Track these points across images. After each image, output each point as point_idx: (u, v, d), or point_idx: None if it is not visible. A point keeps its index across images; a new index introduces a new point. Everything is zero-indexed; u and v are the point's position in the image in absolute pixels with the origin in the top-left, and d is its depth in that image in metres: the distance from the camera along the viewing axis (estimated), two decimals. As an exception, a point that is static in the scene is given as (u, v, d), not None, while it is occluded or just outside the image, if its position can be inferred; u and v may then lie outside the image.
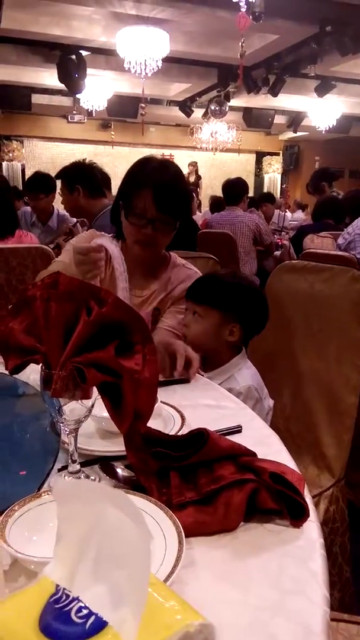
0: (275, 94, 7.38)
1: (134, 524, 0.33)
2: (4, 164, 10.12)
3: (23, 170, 10.23)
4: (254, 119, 9.70)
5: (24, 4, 5.31)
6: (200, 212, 8.77)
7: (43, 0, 5.20)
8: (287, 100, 8.62)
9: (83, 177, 2.63)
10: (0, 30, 5.34)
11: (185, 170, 10.99)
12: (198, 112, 9.07)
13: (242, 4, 4.07)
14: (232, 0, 4.09)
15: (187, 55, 6.89)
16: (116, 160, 10.73)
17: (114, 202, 1.48)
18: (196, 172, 10.73)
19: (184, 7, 5.21)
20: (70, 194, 2.68)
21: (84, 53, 6.49)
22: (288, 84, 7.31)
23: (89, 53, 6.60)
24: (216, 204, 7.21)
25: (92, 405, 0.69)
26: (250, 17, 4.55)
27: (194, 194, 5.59)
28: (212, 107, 8.31)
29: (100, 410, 0.71)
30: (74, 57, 6.40)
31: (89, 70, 6.61)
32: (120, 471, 0.70)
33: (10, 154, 10.13)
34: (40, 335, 0.68)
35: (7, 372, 0.74)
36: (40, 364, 0.70)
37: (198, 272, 1.53)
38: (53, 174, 3.64)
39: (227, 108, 8.41)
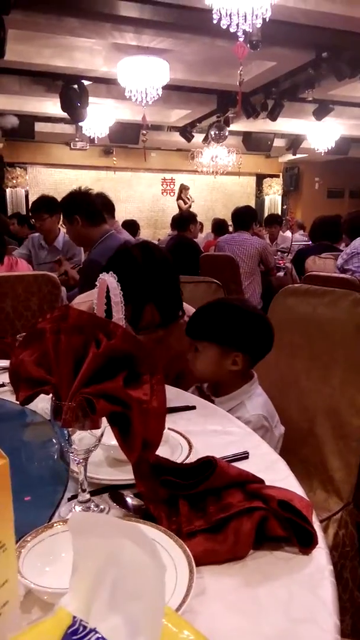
0: (274, 119, 7.52)
1: (149, 556, 0.34)
2: (8, 190, 10.29)
3: (27, 196, 10.39)
4: (253, 143, 9.87)
5: (27, 37, 5.48)
6: (202, 233, 8.87)
7: (46, 33, 5.36)
8: (286, 124, 8.78)
9: (80, 206, 2.66)
10: (4, 62, 5.50)
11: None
12: (198, 137, 9.25)
13: (240, 33, 4.18)
14: (230, 30, 4.20)
15: (186, 83, 7.06)
16: (118, 185, 10.92)
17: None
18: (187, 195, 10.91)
19: (183, 37, 5.36)
20: (70, 225, 2.72)
21: (85, 82, 6.67)
22: (286, 108, 7.46)
23: (91, 82, 6.77)
24: (219, 227, 7.30)
25: (102, 435, 0.70)
26: (248, 45, 4.68)
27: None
28: (212, 132, 8.47)
29: (109, 438, 0.72)
30: (76, 86, 6.57)
31: (90, 99, 6.78)
32: (130, 500, 0.70)
33: (14, 181, 10.31)
34: (50, 366, 0.70)
35: (16, 402, 0.76)
36: (50, 395, 0.72)
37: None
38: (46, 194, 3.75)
39: (227, 132, 8.57)
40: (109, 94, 7.16)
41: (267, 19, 4.15)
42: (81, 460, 0.70)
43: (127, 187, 11.41)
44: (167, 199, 11.85)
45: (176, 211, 9.58)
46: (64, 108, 6.66)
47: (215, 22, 4.15)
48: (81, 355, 0.68)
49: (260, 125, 8.75)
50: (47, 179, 10.87)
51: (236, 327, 1.34)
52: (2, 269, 2.48)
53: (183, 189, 11.04)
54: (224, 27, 4.16)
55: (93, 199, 2.79)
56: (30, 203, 10.07)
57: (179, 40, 5.48)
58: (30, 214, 5.04)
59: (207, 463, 0.70)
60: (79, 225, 2.68)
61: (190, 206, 10.43)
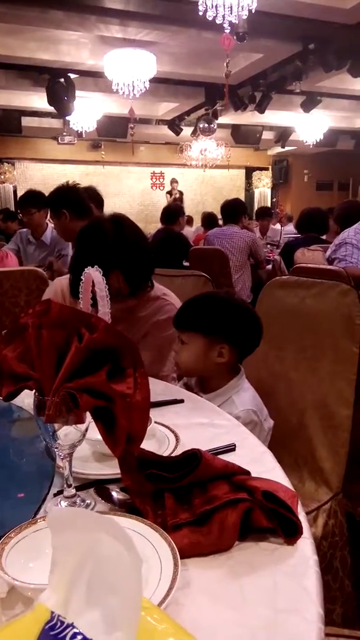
0: (262, 111, 7.51)
1: (126, 550, 0.34)
2: (-4, 186, 10.21)
3: (15, 192, 10.30)
4: (242, 136, 9.85)
5: (12, 30, 5.41)
6: (192, 227, 8.85)
7: (31, 26, 5.30)
8: (274, 117, 8.78)
9: (67, 201, 2.65)
10: (-11, 56, 5.45)
11: (168, 187, 11.14)
12: (187, 130, 9.21)
13: (226, 25, 4.16)
14: (216, 22, 4.18)
15: (174, 76, 7.02)
16: (107, 180, 10.86)
17: (72, 268, 1.45)
18: (176, 188, 10.90)
19: (170, 30, 5.32)
20: (58, 219, 2.71)
21: (72, 76, 6.61)
22: (274, 100, 7.45)
23: (78, 76, 6.71)
24: (208, 220, 7.28)
25: (86, 430, 0.70)
26: (235, 37, 4.66)
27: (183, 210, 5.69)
28: (201, 125, 8.45)
29: (94, 433, 0.72)
30: (62, 80, 6.51)
31: (77, 93, 6.72)
32: (116, 494, 0.70)
33: (2, 176, 10.22)
34: (32, 362, 0.69)
35: (0, 398, 0.75)
36: (34, 390, 0.71)
37: (173, 304, 1.54)
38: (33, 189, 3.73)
39: (216, 125, 8.54)
40: (96, 88, 7.11)
41: (253, 11, 4.13)
42: (66, 455, 0.70)
43: (116, 181, 11.36)
44: (157, 193, 11.82)
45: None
46: (50, 102, 6.60)
47: (201, 14, 4.13)
48: (64, 349, 0.67)
49: (249, 117, 8.74)
50: (36, 174, 10.79)
51: (222, 317, 1.34)
52: None
53: (173, 182, 11.04)
54: (210, 18, 4.13)
55: (80, 192, 2.78)
56: (17, 198, 10.00)
57: (166, 32, 5.44)
58: (18, 209, 5.00)
59: (192, 456, 0.70)
60: (66, 219, 2.67)
61: (175, 199, 10.38)
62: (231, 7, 4.12)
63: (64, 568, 0.38)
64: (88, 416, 0.69)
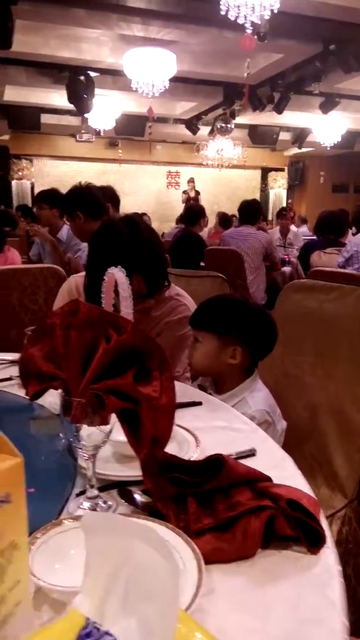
0: (280, 112, 7.47)
1: (162, 557, 0.34)
2: (14, 182, 10.27)
3: (32, 189, 10.37)
4: (259, 136, 9.81)
5: (34, 28, 5.44)
6: (206, 227, 8.83)
7: (53, 24, 5.33)
8: (291, 117, 8.72)
9: (81, 202, 2.65)
10: (11, 53, 5.47)
11: (184, 187, 11.15)
12: (204, 130, 9.20)
13: (248, 25, 4.14)
14: (238, 21, 4.16)
15: (193, 75, 7.00)
16: (123, 178, 10.87)
17: (87, 275, 1.45)
18: (194, 188, 10.90)
19: (191, 29, 5.31)
20: (72, 220, 2.72)
21: (92, 74, 6.63)
22: (293, 101, 7.41)
23: (98, 74, 6.73)
24: (224, 220, 7.26)
25: (110, 431, 0.70)
26: (255, 37, 4.64)
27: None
28: (218, 125, 8.43)
29: (116, 434, 0.72)
30: (82, 78, 6.53)
31: (97, 91, 6.74)
32: (138, 497, 0.70)
33: (20, 173, 10.29)
34: (59, 362, 0.70)
35: (23, 396, 0.76)
36: (59, 390, 0.71)
37: (186, 305, 1.53)
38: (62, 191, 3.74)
39: (233, 125, 8.52)
40: (115, 86, 7.12)
41: (276, 11, 4.11)
42: (90, 457, 0.70)
43: (133, 179, 11.37)
44: (172, 192, 11.81)
45: (182, 204, 9.55)
46: (70, 99, 6.63)
47: (223, 13, 4.11)
48: (91, 350, 0.67)
49: (266, 118, 8.69)
50: (53, 171, 10.84)
51: (236, 318, 1.34)
52: (1, 258, 2.48)
53: (189, 181, 11.03)
54: (232, 18, 4.12)
55: (94, 193, 2.78)
56: (35, 195, 10.05)
57: (186, 31, 5.44)
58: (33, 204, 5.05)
59: (216, 461, 0.70)
60: (80, 220, 2.67)
61: (191, 198, 10.36)
62: (253, 7, 4.10)
63: (98, 574, 0.38)
64: (112, 418, 0.69)
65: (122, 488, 0.72)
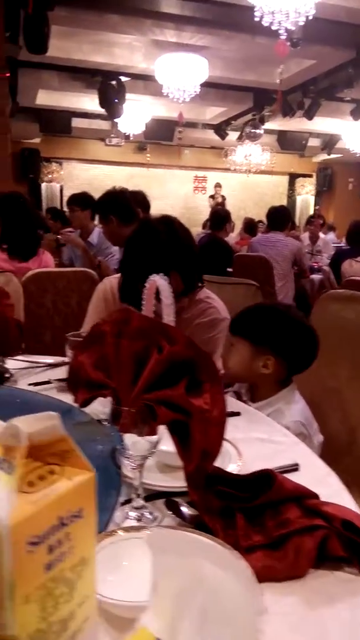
0: (310, 117, 7.42)
1: (240, 582, 0.33)
2: (43, 184, 10.42)
3: (61, 191, 10.50)
4: (288, 142, 9.76)
5: (69, 33, 5.53)
6: (233, 232, 8.81)
7: (87, 30, 5.40)
8: (321, 123, 8.65)
9: (115, 206, 2.68)
10: (45, 58, 5.56)
11: (211, 192, 11.14)
12: (232, 135, 9.19)
13: (282, 31, 4.12)
14: (272, 27, 4.15)
15: (223, 80, 7.01)
16: (151, 182, 10.92)
17: (122, 271, 1.47)
18: (220, 193, 10.90)
19: (223, 34, 5.33)
20: (106, 224, 2.75)
21: (123, 79, 6.69)
22: (323, 107, 7.36)
23: (129, 79, 6.79)
24: (249, 227, 7.20)
25: (158, 441, 0.69)
26: (289, 43, 4.62)
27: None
28: (247, 130, 8.42)
29: (159, 443, 0.72)
30: (114, 82, 6.60)
31: (127, 95, 6.81)
32: (186, 509, 0.69)
33: (50, 176, 10.44)
34: (109, 370, 0.70)
35: (62, 400, 0.75)
36: (108, 398, 0.71)
37: (216, 308, 1.52)
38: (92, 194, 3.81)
39: (262, 131, 8.49)
40: (146, 91, 7.18)
41: (310, 17, 4.08)
42: (137, 466, 0.70)
43: (160, 184, 11.41)
44: (199, 197, 11.82)
45: (208, 209, 9.55)
46: (101, 104, 6.71)
47: (257, 19, 4.11)
48: (142, 360, 0.67)
49: (296, 124, 8.64)
50: (82, 174, 10.96)
51: (271, 329, 1.32)
52: (35, 260, 2.51)
53: (216, 186, 11.03)
54: (266, 24, 4.11)
55: (128, 198, 2.80)
56: (64, 198, 10.19)
57: (219, 37, 5.45)
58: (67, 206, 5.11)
59: (266, 477, 0.69)
60: (114, 224, 2.69)
61: (218, 203, 10.36)
62: (288, 14, 4.08)
63: (167, 593, 0.37)
64: (159, 428, 0.69)
65: (169, 499, 0.72)
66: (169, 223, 1.43)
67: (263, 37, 4.96)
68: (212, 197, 11.01)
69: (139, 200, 3.30)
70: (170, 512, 0.70)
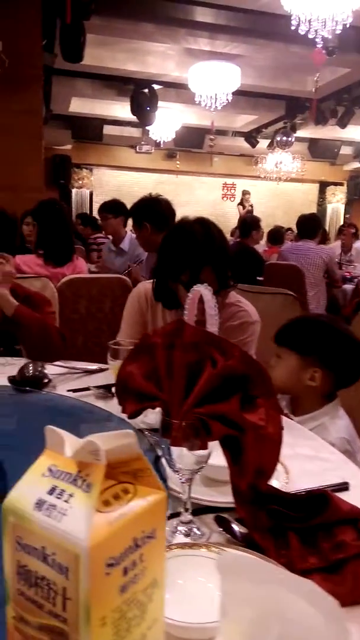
0: (343, 126, 7.35)
1: (323, 615, 0.32)
2: (74, 190, 10.57)
3: (91, 197, 10.63)
4: (319, 150, 9.68)
5: (104, 42, 5.60)
6: (263, 241, 8.74)
7: (121, 38, 5.47)
8: (354, 132, 8.56)
9: (149, 213, 2.69)
10: (79, 66, 5.65)
11: (239, 199, 11.09)
12: (263, 143, 9.16)
13: (319, 40, 4.09)
14: (308, 36, 4.12)
15: (256, 89, 7.00)
16: (179, 189, 10.98)
17: (157, 270, 1.51)
18: (249, 200, 10.85)
19: (258, 43, 5.32)
20: (139, 231, 2.76)
21: (156, 87, 6.74)
22: (357, 115, 7.27)
23: (161, 87, 6.85)
24: (274, 236, 7.03)
25: (209, 456, 0.68)
26: (324, 51, 4.58)
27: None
28: (278, 138, 8.37)
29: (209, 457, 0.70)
30: (146, 90, 6.66)
31: (159, 103, 6.85)
32: (236, 527, 0.68)
33: (80, 182, 10.58)
34: (160, 382, 0.69)
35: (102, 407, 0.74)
36: (158, 409, 0.71)
37: (247, 311, 1.52)
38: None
39: (293, 139, 8.44)
40: (178, 99, 7.22)
41: (348, 25, 4.04)
42: (186, 480, 0.68)
43: (188, 191, 11.45)
44: (227, 204, 11.81)
45: (236, 217, 9.53)
46: (133, 111, 6.77)
47: (293, 28, 4.09)
48: (194, 373, 0.66)
49: (328, 132, 8.56)
50: (111, 180, 11.08)
51: (320, 341, 1.30)
52: (69, 266, 2.54)
53: (244, 194, 11.00)
54: (302, 33, 4.09)
55: (162, 205, 2.80)
56: (93, 204, 10.31)
57: (253, 45, 5.45)
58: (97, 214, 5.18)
59: (320, 497, 0.67)
60: (147, 231, 2.70)
61: (249, 211, 10.34)
62: (325, 22, 4.05)
63: (238, 620, 0.36)
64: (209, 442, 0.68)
65: (220, 515, 0.70)
66: (204, 223, 1.47)
67: (297, 45, 4.94)
68: (240, 204, 10.99)
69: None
70: (221, 529, 0.68)
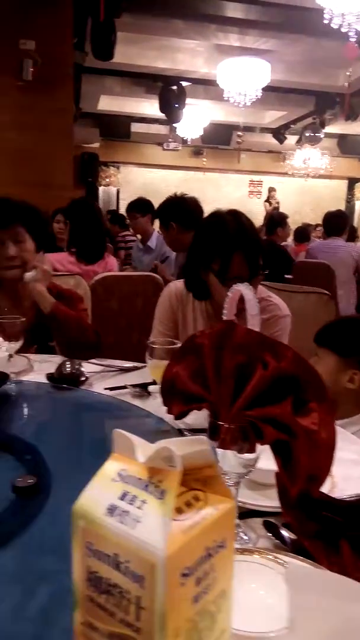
0: (374, 121, 7.20)
1: None
2: (101, 188, 10.63)
3: (117, 194, 10.68)
4: (348, 146, 9.51)
5: (133, 39, 5.61)
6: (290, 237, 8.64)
7: (151, 35, 5.47)
8: (386, 127, 8.38)
9: (176, 213, 2.69)
10: (108, 64, 5.67)
11: (265, 195, 11.00)
12: (291, 139, 9.05)
13: (352, 33, 4.01)
14: (341, 30, 4.05)
15: (285, 84, 6.92)
16: (205, 186, 10.93)
17: (188, 260, 1.53)
18: (275, 197, 10.76)
19: (288, 38, 5.26)
20: (166, 231, 2.76)
21: (184, 84, 6.72)
22: (388, 110, 7.11)
23: (189, 84, 6.82)
24: (300, 234, 6.93)
25: (257, 459, 0.67)
26: (357, 45, 4.49)
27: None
28: (307, 134, 8.27)
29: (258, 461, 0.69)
30: (175, 88, 6.64)
31: (187, 100, 6.83)
32: (286, 533, 0.67)
33: (107, 179, 10.65)
34: (208, 383, 0.68)
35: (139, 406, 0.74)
36: (204, 411, 0.70)
37: (277, 305, 1.52)
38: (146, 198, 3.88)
39: (322, 135, 8.32)
40: (206, 95, 7.19)
41: (382, 18, 3.96)
42: (234, 484, 0.67)
43: (215, 188, 11.40)
44: (254, 201, 11.71)
45: (263, 214, 9.44)
46: (162, 109, 6.77)
47: (326, 22, 4.02)
48: (243, 374, 0.65)
49: (358, 127, 8.41)
50: (138, 177, 11.11)
51: None
52: (101, 264, 2.55)
53: (270, 191, 10.91)
54: (336, 27, 4.01)
55: (188, 204, 2.80)
56: (120, 201, 10.35)
57: (283, 40, 5.39)
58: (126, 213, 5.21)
59: (374, 503, 0.65)
60: (174, 231, 2.70)
61: (275, 208, 10.25)
62: (358, 15, 3.97)
63: (309, 634, 0.35)
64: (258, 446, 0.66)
65: (268, 521, 0.69)
66: (235, 213, 1.50)
67: (329, 39, 4.85)
68: (267, 201, 10.90)
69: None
70: (269, 534, 0.67)
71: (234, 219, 1.45)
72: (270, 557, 0.55)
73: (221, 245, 1.41)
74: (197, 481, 0.35)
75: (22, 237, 1.58)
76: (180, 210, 2.72)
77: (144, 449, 0.35)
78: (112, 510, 0.33)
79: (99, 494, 0.35)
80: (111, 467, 0.36)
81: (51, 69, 4.26)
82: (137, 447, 0.35)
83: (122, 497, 0.34)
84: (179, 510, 0.33)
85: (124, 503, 0.33)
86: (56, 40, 4.27)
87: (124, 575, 0.32)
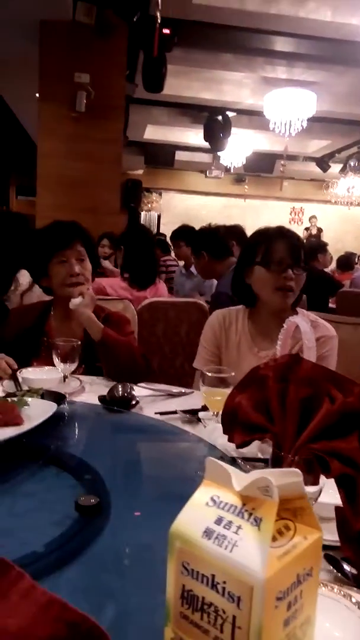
0: None
1: None
2: (143, 213, 10.89)
3: (159, 220, 10.90)
4: (393, 175, 9.42)
5: (182, 72, 5.79)
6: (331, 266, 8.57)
7: (200, 68, 5.63)
8: None
9: (207, 243, 2.77)
10: (158, 96, 5.87)
11: (307, 224, 10.99)
12: (335, 167, 9.06)
13: None
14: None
15: (331, 114, 6.96)
16: (246, 213, 11.01)
17: (236, 271, 1.62)
18: (316, 225, 10.74)
19: (335, 70, 5.31)
20: (197, 259, 2.83)
21: (230, 114, 6.87)
22: None
23: (235, 114, 6.96)
24: (344, 263, 6.88)
25: (320, 492, 0.68)
26: None
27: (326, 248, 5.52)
28: (352, 163, 8.26)
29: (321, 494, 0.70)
30: (220, 118, 6.79)
31: (232, 130, 6.97)
32: (347, 567, 0.67)
33: (149, 205, 10.89)
34: (271, 414, 0.70)
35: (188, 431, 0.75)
36: (266, 441, 0.72)
37: (325, 327, 1.53)
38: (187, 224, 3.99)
39: (367, 164, 8.30)
40: (250, 125, 7.30)
41: None
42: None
43: (256, 215, 11.45)
44: (294, 228, 11.63)
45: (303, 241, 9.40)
46: (206, 138, 6.91)
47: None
48: (308, 407, 0.67)
49: None
50: (179, 203, 11.32)
51: None
52: (152, 289, 2.61)
53: (311, 218, 10.92)
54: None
55: (220, 234, 2.87)
56: (161, 226, 10.54)
57: (330, 72, 5.45)
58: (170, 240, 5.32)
59: None
60: (205, 260, 2.78)
61: (312, 235, 10.21)
62: None
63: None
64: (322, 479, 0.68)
65: (328, 554, 0.69)
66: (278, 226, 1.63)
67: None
68: (307, 229, 10.89)
69: (236, 233, 3.37)
70: (331, 568, 0.68)
71: (275, 226, 1.60)
72: (337, 590, 0.56)
73: (263, 237, 1.54)
74: (287, 511, 0.37)
75: (83, 256, 1.65)
76: (212, 240, 2.82)
77: (238, 478, 0.37)
78: (209, 533, 0.36)
79: (194, 517, 0.37)
80: (204, 492, 0.39)
81: (104, 101, 4.45)
82: (233, 476, 0.37)
83: (218, 522, 0.36)
84: (273, 538, 0.35)
85: (220, 527, 0.36)
86: (110, 73, 4.47)
87: (221, 595, 0.34)
